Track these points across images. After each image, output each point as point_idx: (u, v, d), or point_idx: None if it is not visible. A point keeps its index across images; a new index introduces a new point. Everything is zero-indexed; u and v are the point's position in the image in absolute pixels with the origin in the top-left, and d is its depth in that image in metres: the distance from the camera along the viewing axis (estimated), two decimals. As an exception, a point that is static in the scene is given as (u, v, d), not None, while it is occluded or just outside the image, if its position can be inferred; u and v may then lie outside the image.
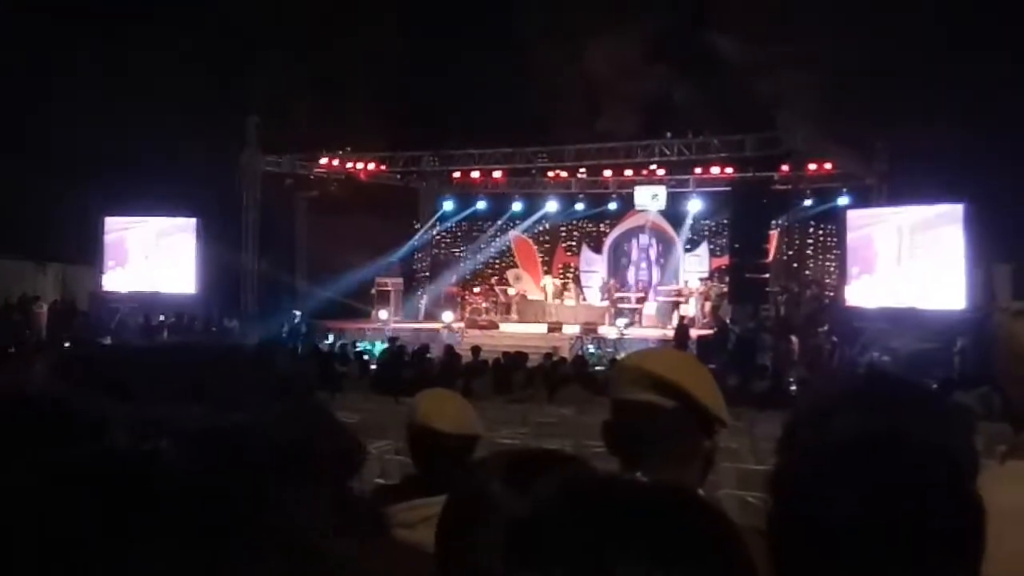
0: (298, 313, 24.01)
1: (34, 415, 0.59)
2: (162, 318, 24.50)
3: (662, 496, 0.84)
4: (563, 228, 29.35)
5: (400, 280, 27.19)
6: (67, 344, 16.79)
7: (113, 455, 0.52)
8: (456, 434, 3.12)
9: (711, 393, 2.06)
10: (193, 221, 25.88)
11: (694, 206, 26.66)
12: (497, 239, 29.87)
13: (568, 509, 0.81)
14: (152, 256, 26.39)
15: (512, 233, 29.54)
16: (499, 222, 29.60)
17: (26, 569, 0.48)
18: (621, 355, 20.73)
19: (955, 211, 20.87)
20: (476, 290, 27.87)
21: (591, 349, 21.58)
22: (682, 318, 23.16)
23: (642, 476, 1.80)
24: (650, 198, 26.01)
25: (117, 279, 26.49)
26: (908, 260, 21.69)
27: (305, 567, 0.52)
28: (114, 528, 0.49)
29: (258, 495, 0.52)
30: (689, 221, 27.09)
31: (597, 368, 17.01)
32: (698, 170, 25.67)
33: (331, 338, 23.29)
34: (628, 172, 26.42)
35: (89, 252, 26.20)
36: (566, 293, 27.15)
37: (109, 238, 26.56)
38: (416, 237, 30.31)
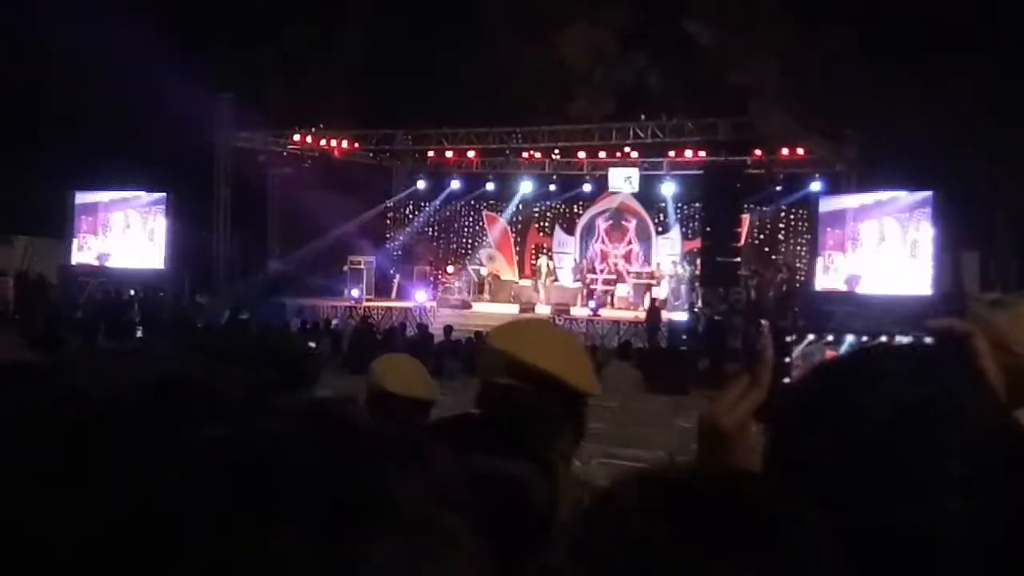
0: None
1: (172, 395, 0.60)
2: (132, 293, 24.32)
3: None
4: (536, 209, 29.31)
5: (373, 258, 27.08)
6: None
7: (246, 438, 0.53)
8: (407, 396, 3.16)
9: (575, 368, 2.07)
10: (164, 196, 25.68)
11: (667, 189, 26.72)
12: (470, 219, 29.84)
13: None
14: (123, 231, 26.17)
15: (486, 213, 29.50)
16: (472, 202, 29.55)
17: (161, 558, 0.49)
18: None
19: (924, 199, 21.08)
20: (449, 269, 27.84)
21: None
22: (654, 300, 23.25)
23: (506, 456, 1.82)
24: (623, 180, 26.05)
25: (87, 253, 26.27)
26: (877, 246, 21.89)
27: (423, 545, 0.53)
28: (241, 519, 0.50)
29: (374, 477, 0.54)
30: (662, 204, 27.16)
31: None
32: (671, 153, 25.74)
33: (303, 316, 23.21)
34: (602, 154, 26.43)
35: (57, 225, 25.96)
36: (538, 274, 27.17)
37: (79, 211, 26.33)
38: (389, 216, 30.23)
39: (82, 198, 26.26)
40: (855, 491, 0.94)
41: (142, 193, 25.96)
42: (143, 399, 0.57)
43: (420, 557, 0.53)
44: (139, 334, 19.18)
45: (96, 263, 25.89)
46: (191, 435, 0.53)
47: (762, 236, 26.55)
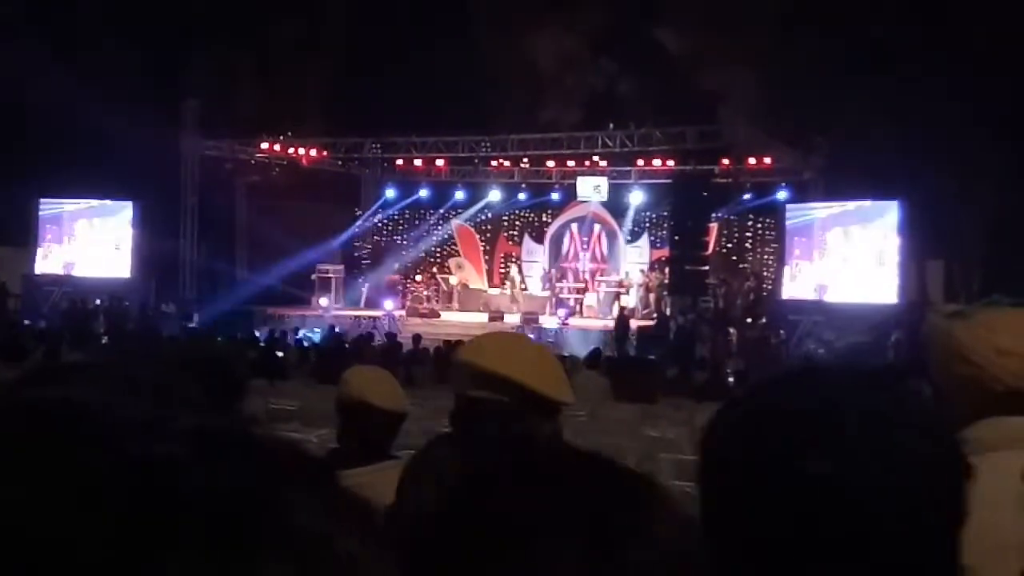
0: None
1: (39, 418, 0.57)
2: (98, 302, 24.10)
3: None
4: (505, 218, 29.29)
5: (341, 267, 26.98)
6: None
7: (129, 462, 0.51)
8: (392, 410, 3.19)
9: (547, 377, 2.10)
10: (130, 205, 25.48)
11: (636, 198, 26.80)
12: (439, 227, 29.77)
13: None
14: (88, 239, 25.94)
15: (454, 222, 29.43)
16: (441, 210, 29.48)
17: None
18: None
19: (890, 208, 21.27)
20: (418, 278, 27.78)
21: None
22: (622, 309, 23.30)
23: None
24: (592, 189, 26.11)
25: (52, 262, 26.01)
26: (843, 255, 22.06)
27: (320, 571, 0.52)
28: (135, 545, 0.48)
29: (273, 499, 0.52)
30: (631, 213, 27.23)
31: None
32: (640, 162, 25.86)
33: (270, 325, 23.09)
34: (571, 163, 26.51)
35: (22, 234, 25.68)
36: (507, 282, 27.17)
37: (44, 220, 26.07)
38: (357, 224, 30.09)
39: (47, 207, 26.01)
40: (790, 497, 0.95)
41: (108, 201, 25.74)
42: (23, 423, 0.54)
43: None
44: (104, 343, 19.00)
45: (61, 272, 25.65)
46: (79, 461, 0.50)
47: (730, 245, 26.68)
